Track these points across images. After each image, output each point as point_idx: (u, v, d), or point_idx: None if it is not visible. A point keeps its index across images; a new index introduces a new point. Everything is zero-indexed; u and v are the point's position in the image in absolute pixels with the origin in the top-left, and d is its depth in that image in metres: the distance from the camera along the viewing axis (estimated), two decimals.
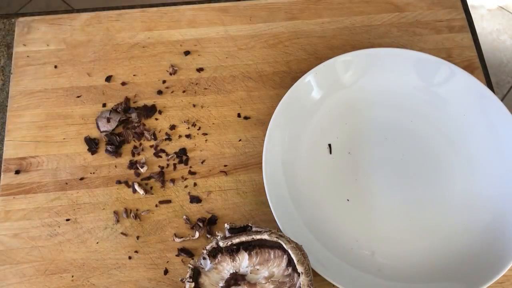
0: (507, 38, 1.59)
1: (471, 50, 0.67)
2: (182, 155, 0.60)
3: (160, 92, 0.64)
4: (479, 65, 0.66)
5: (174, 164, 0.60)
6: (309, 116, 0.61)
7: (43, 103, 0.63)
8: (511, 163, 0.58)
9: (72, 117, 0.62)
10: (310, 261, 0.48)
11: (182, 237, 0.56)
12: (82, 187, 0.58)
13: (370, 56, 0.62)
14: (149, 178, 0.59)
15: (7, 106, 0.63)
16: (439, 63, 0.62)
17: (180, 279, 0.51)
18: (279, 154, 0.58)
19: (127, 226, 0.57)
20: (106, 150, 0.59)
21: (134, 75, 0.65)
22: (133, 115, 0.61)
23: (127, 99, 0.62)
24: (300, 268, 0.45)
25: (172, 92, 0.64)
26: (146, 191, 0.58)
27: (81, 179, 0.59)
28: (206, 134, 0.62)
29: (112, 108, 0.62)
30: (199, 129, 0.62)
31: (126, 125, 0.61)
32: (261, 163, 0.57)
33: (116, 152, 0.59)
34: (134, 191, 0.58)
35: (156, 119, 0.62)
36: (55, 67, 0.65)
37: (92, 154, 0.59)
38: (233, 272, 0.47)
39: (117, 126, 0.61)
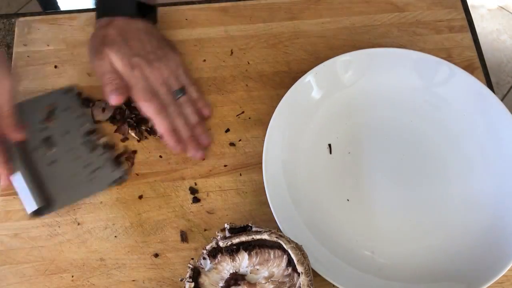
0: (507, 38, 1.59)
1: (471, 50, 0.67)
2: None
3: None
4: (479, 65, 0.66)
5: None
6: (309, 116, 0.61)
7: None
8: (510, 163, 0.58)
9: None
10: (310, 261, 0.48)
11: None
12: None
13: (370, 56, 0.62)
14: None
15: None
16: (439, 63, 0.62)
17: (180, 279, 0.51)
18: (279, 154, 0.58)
19: (127, 226, 0.57)
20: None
21: None
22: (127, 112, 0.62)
23: None
24: (300, 268, 0.45)
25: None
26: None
27: None
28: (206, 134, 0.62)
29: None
30: None
31: (123, 116, 0.61)
32: (261, 163, 0.57)
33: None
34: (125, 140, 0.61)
35: None
36: (55, 67, 0.65)
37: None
38: (233, 272, 0.47)
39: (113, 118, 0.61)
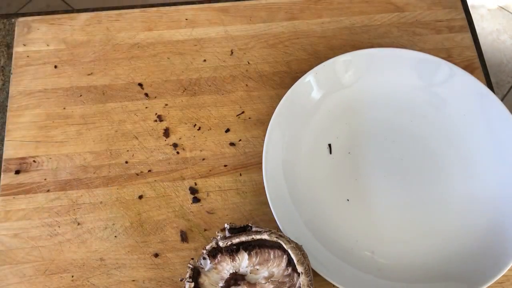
0: (507, 38, 1.59)
1: (471, 50, 0.67)
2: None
3: (160, 92, 0.64)
4: (479, 65, 0.66)
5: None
6: (309, 116, 0.61)
7: (43, 103, 0.63)
8: (511, 163, 0.58)
9: (72, 117, 0.62)
10: (310, 261, 0.48)
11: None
12: (82, 187, 0.58)
13: (370, 56, 0.62)
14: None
15: (7, 106, 0.63)
16: (439, 63, 0.62)
17: (180, 279, 0.51)
18: (279, 154, 0.58)
19: (127, 226, 0.57)
20: None
21: (134, 75, 0.65)
22: None
23: None
24: (300, 268, 0.45)
25: (172, 92, 0.64)
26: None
27: (81, 179, 0.59)
28: (206, 134, 0.62)
29: None
30: (199, 129, 0.62)
31: None
32: (261, 163, 0.57)
33: None
34: None
35: (155, 120, 0.62)
36: (55, 67, 0.65)
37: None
38: (233, 272, 0.47)
39: None
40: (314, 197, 0.58)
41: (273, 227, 0.55)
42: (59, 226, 0.56)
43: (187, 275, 0.47)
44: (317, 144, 0.61)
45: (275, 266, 0.47)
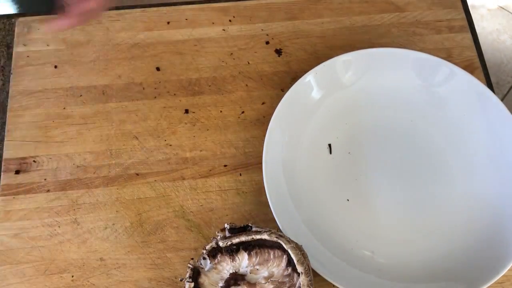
0: (507, 38, 1.59)
1: (471, 50, 0.67)
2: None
3: (160, 92, 0.64)
4: (479, 65, 0.66)
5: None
6: (309, 116, 0.61)
7: (43, 103, 0.63)
8: (511, 163, 0.58)
9: (72, 117, 0.62)
10: (310, 261, 0.48)
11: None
12: (82, 187, 0.58)
13: (370, 56, 0.62)
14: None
15: (7, 106, 0.63)
16: (439, 63, 0.62)
17: (179, 279, 0.51)
18: (279, 154, 0.58)
19: (127, 226, 0.57)
20: None
21: (134, 75, 0.65)
22: None
23: None
24: (300, 268, 0.45)
25: (172, 92, 0.64)
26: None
27: (81, 179, 0.59)
28: (206, 134, 0.62)
29: None
30: (199, 129, 0.62)
31: None
32: (261, 163, 0.57)
33: None
34: None
35: (155, 120, 0.62)
36: (55, 67, 0.65)
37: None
38: (233, 272, 0.47)
39: None
40: (314, 197, 0.58)
41: (273, 227, 0.55)
42: (59, 226, 0.56)
43: (187, 275, 0.47)
44: (317, 144, 0.61)
45: (275, 266, 0.47)
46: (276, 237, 0.46)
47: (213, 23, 0.68)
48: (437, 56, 0.63)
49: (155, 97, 0.64)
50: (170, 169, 0.60)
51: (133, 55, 0.66)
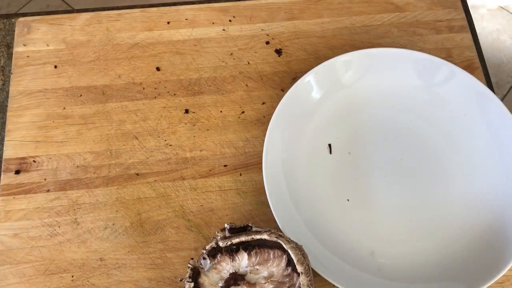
0: (507, 38, 1.59)
1: (471, 50, 0.67)
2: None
3: (160, 92, 0.64)
4: (479, 65, 0.66)
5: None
6: (309, 116, 0.61)
7: (43, 103, 0.63)
8: (511, 163, 0.58)
9: (72, 117, 0.62)
10: (310, 261, 0.48)
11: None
12: (82, 187, 0.58)
13: (370, 56, 0.62)
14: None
15: (7, 106, 0.63)
16: (439, 63, 0.62)
17: (179, 279, 0.51)
18: (279, 154, 0.58)
19: (127, 226, 0.57)
20: None
21: (134, 75, 0.65)
22: None
23: None
24: (299, 268, 0.45)
25: (172, 92, 0.64)
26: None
27: (81, 179, 0.59)
28: (206, 134, 0.62)
29: None
30: (199, 129, 0.62)
31: None
32: (261, 163, 0.57)
33: None
34: None
35: (155, 120, 0.62)
36: (55, 67, 0.65)
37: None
38: (233, 272, 0.47)
39: None
40: (314, 197, 0.58)
41: (273, 227, 0.55)
42: (59, 226, 0.56)
43: (187, 275, 0.47)
44: (317, 144, 0.61)
45: (275, 266, 0.47)
46: (276, 237, 0.46)
47: (213, 23, 0.68)
48: (437, 56, 0.63)
49: (155, 97, 0.64)
50: (170, 169, 0.60)
51: (133, 55, 0.66)
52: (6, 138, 0.61)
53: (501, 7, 1.64)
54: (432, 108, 0.62)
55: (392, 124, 0.62)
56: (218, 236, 0.48)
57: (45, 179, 0.59)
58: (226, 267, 0.48)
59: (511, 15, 1.62)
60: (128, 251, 0.56)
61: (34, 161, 0.60)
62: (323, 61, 0.62)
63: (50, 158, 0.60)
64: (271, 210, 0.54)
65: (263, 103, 0.63)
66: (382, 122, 0.62)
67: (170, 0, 0.71)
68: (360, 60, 0.62)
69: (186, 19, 0.69)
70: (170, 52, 0.66)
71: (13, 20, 0.68)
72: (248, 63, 0.66)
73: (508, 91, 1.51)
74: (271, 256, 0.47)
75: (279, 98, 0.60)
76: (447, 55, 0.67)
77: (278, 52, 0.66)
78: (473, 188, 0.58)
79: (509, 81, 1.52)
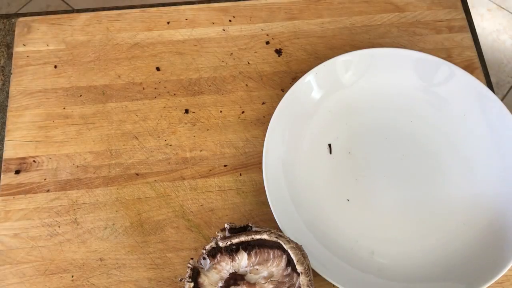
0: (507, 38, 1.59)
1: (471, 50, 0.67)
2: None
3: (160, 92, 0.64)
4: (479, 65, 0.66)
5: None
6: (309, 116, 0.61)
7: (43, 103, 0.63)
8: (511, 163, 0.58)
9: (72, 117, 0.62)
10: (310, 261, 0.48)
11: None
12: (82, 187, 0.58)
13: (370, 56, 0.62)
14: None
15: (7, 106, 0.63)
16: (439, 63, 0.62)
17: (179, 279, 0.51)
18: (279, 154, 0.58)
19: (127, 226, 0.57)
20: None
21: (134, 75, 0.65)
22: None
23: None
24: (299, 268, 0.45)
25: (172, 92, 0.64)
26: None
27: (81, 179, 0.59)
28: (206, 134, 0.62)
29: None
30: (199, 129, 0.62)
31: None
32: (261, 163, 0.57)
33: None
34: None
35: (155, 120, 0.62)
36: (55, 67, 0.65)
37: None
38: (233, 272, 0.47)
39: None
40: (314, 197, 0.58)
41: (273, 227, 0.55)
42: (59, 226, 0.56)
43: (187, 275, 0.47)
44: (317, 144, 0.61)
45: (275, 266, 0.47)
46: (276, 237, 0.46)
47: (213, 23, 0.68)
48: (437, 56, 0.63)
49: (155, 97, 0.64)
50: (170, 169, 0.60)
51: (133, 55, 0.66)
52: (6, 138, 0.61)
53: (501, 7, 1.64)
54: (432, 108, 0.62)
55: (392, 124, 0.62)
56: (218, 236, 0.48)
57: (45, 179, 0.59)
58: (226, 267, 0.48)
59: (511, 15, 1.62)
60: (128, 251, 0.56)
61: (34, 161, 0.60)
62: (323, 61, 0.62)
63: (50, 158, 0.60)
64: (271, 210, 0.54)
65: (263, 103, 0.63)
66: (382, 122, 0.62)
67: (170, 0, 0.71)
68: (360, 60, 0.62)
69: (186, 19, 0.69)
70: (170, 52, 0.66)
71: (13, 20, 0.68)
72: (248, 63, 0.66)
73: (508, 91, 1.51)
74: (271, 256, 0.47)
75: (279, 98, 0.60)
76: (447, 55, 0.67)
77: (278, 52, 0.66)
78: (473, 188, 0.58)
79: (509, 81, 1.52)
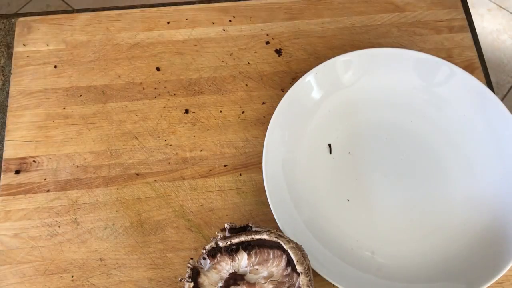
0: (507, 38, 1.59)
1: (471, 50, 0.67)
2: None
3: (160, 92, 0.64)
4: (479, 65, 0.66)
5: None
6: (309, 116, 0.61)
7: (43, 103, 0.63)
8: (511, 163, 0.58)
9: (72, 117, 0.62)
10: (310, 261, 0.48)
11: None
12: (82, 187, 0.58)
13: (370, 56, 0.62)
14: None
15: (7, 106, 0.63)
16: (439, 63, 0.62)
17: (179, 279, 0.51)
18: (279, 154, 0.58)
19: (127, 226, 0.57)
20: None
21: (134, 75, 0.65)
22: None
23: None
24: (299, 268, 0.45)
25: (172, 92, 0.64)
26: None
27: (81, 179, 0.59)
28: (206, 134, 0.62)
29: None
30: (199, 129, 0.62)
31: None
32: (261, 163, 0.57)
33: None
34: None
35: (155, 120, 0.62)
36: (55, 67, 0.65)
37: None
38: (232, 272, 0.47)
39: None
40: (314, 197, 0.58)
41: (273, 227, 0.55)
42: (59, 226, 0.56)
43: (187, 275, 0.47)
44: (317, 144, 0.61)
45: (275, 266, 0.47)
46: (276, 237, 0.46)
47: (213, 23, 0.68)
48: (437, 56, 0.63)
49: (155, 97, 0.64)
50: (170, 169, 0.60)
51: (133, 55, 0.66)
52: (6, 138, 0.61)
53: (501, 7, 1.64)
54: (432, 108, 0.62)
55: (393, 124, 0.62)
56: (218, 236, 0.48)
57: (45, 179, 0.59)
58: (226, 267, 0.48)
59: (511, 15, 1.62)
60: (128, 251, 0.56)
61: (34, 161, 0.60)
62: (323, 61, 0.62)
63: (50, 158, 0.60)
64: (271, 210, 0.54)
65: (263, 103, 0.63)
66: (382, 122, 0.62)
67: (170, 0, 0.71)
68: (360, 60, 0.62)
69: (186, 19, 0.69)
70: (170, 52, 0.66)
71: (13, 20, 0.68)
72: (248, 63, 0.66)
73: (508, 91, 1.51)
74: (271, 256, 0.47)
75: (279, 98, 0.60)
76: (447, 55, 0.67)
77: (278, 52, 0.66)
78: (472, 188, 0.58)
79: (509, 81, 1.52)
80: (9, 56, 0.66)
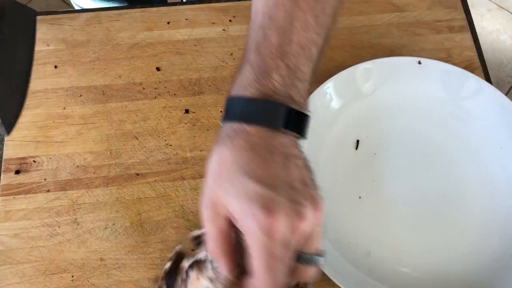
0: (507, 38, 1.59)
1: (471, 50, 0.67)
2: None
3: (160, 92, 0.64)
4: (479, 65, 0.66)
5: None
6: (328, 125, 0.61)
7: (43, 103, 0.63)
8: None
9: (72, 117, 0.62)
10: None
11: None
12: (82, 187, 0.58)
13: (392, 65, 0.62)
14: None
15: None
16: (466, 76, 0.61)
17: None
18: None
19: (127, 226, 0.57)
20: None
21: (134, 75, 0.65)
22: None
23: None
24: None
25: (172, 92, 0.64)
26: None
27: (81, 179, 0.59)
28: (206, 134, 0.62)
29: None
30: (199, 129, 0.62)
31: None
32: None
33: None
34: None
35: (155, 120, 0.62)
36: (55, 67, 0.65)
37: None
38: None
39: None
40: (327, 188, 0.56)
41: None
42: (59, 226, 0.56)
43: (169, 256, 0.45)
44: (344, 138, 0.60)
45: None
46: None
47: (213, 23, 0.68)
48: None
49: (155, 97, 0.64)
50: (170, 169, 0.60)
51: (133, 55, 0.66)
52: (6, 138, 0.61)
53: (501, 7, 1.64)
54: (457, 121, 0.61)
55: (424, 137, 0.61)
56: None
57: (45, 179, 0.59)
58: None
59: (511, 15, 1.62)
60: (128, 251, 0.55)
61: (34, 161, 0.60)
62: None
63: (50, 158, 0.60)
64: None
65: None
66: (414, 132, 0.61)
67: (170, 0, 0.71)
68: (381, 69, 0.62)
69: (186, 19, 0.69)
70: (170, 52, 0.66)
71: None
72: None
73: (508, 91, 1.51)
74: None
75: None
76: (447, 55, 0.67)
77: None
78: (494, 204, 0.57)
79: (509, 81, 1.52)
80: None
